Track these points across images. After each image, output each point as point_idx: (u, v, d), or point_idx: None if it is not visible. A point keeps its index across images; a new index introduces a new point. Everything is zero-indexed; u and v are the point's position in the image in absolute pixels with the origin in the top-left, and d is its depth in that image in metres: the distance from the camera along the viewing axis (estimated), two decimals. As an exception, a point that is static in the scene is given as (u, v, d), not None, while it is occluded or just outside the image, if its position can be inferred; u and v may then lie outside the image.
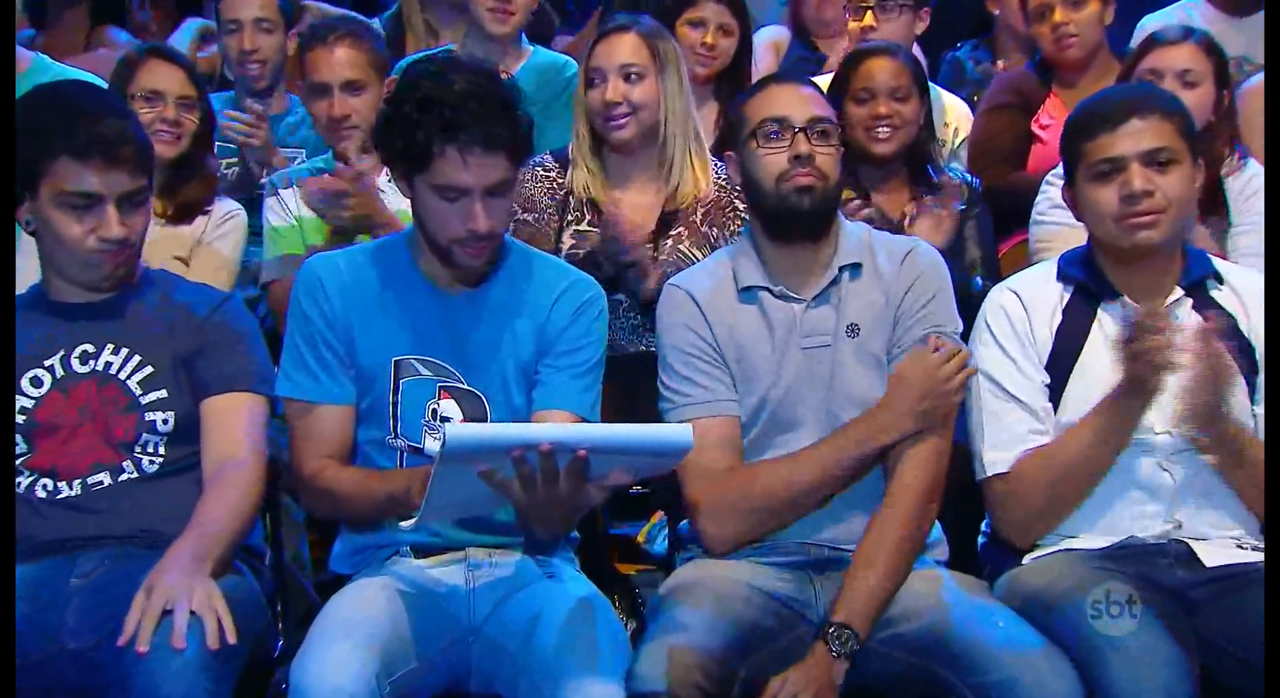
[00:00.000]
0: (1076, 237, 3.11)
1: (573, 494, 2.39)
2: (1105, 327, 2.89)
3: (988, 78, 4.81)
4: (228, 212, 3.88)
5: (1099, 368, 2.83)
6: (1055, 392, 2.87)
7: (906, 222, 3.70)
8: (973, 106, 4.57)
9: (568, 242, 3.62)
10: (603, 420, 2.82)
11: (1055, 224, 3.67)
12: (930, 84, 4.02)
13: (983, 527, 3.01)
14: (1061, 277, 2.94)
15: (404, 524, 2.50)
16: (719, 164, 3.69)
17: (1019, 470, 2.82)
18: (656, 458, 2.44)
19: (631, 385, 3.09)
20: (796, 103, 2.90)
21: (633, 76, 3.58)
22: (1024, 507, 2.83)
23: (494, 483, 2.37)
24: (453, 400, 2.81)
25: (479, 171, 2.67)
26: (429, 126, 2.65)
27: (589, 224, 3.61)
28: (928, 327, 2.87)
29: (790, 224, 2.88)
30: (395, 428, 2.83)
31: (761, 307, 2.92)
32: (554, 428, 2.48)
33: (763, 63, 4.73)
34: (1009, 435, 2.84)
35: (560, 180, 3.66)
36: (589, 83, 3.60)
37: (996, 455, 2.84)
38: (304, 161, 4.11)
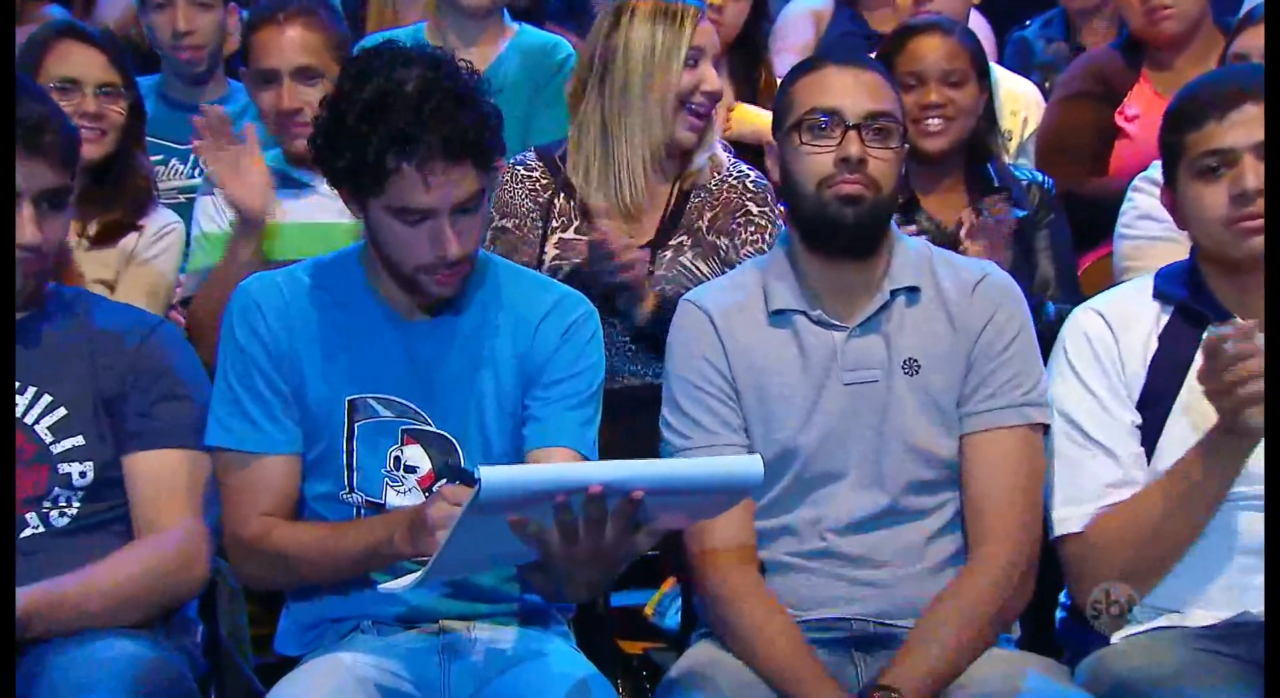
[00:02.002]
0: (1171, 252, 2.97)
1: (619, 543, 2.28)
2: None
3: (1061, 59, 4.66)
4: (164, 224, 3.68)
5: (1205, 405, 2.59)
6: (1150, 434, 2.68)
7: (963, 231, 3.53)
8: (1044, 94, 4.42)
9: (551, 252, 3.48)
10: None
11: (1145, 238, 3.46)
12: (992, 66, 3.89)
13: (1061, 599, 2.82)
14: (1158, 295, 2.75)
15: (396, 586, 2.41)
16: (735, 157, 3.58)
17: (1095, 530, 2.66)
18: (719, 496, 2.36)
19: (630, 423, 2.95)
20: (853, 92, 2.72)
21: (716, 64, 3.50)
22: (1101, 574, 2.66)
23: (527, 534, 2.25)
24: (419, 446, 2.67)
25: (444, 190, 2.52)
26: (378, 141, 2.50)
27: (576, 232, 3.47)
28: (1010, 375, 2.70)
29: (829, 237, 2.72)
30: (350, 480, 2.68)
31: (795, 333, 2.75)
32: (604, 466, 2.33)
33: (800, 38, 4.63)
34: (1085, 488, 2.68)
35: (544, 181, 3.53)
36: (686, 63, 3.44)
37: (1068, 512, 2.68)
38: None
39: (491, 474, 2.14)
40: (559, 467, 2.49)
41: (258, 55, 3.59)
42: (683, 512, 2.37)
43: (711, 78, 3.43)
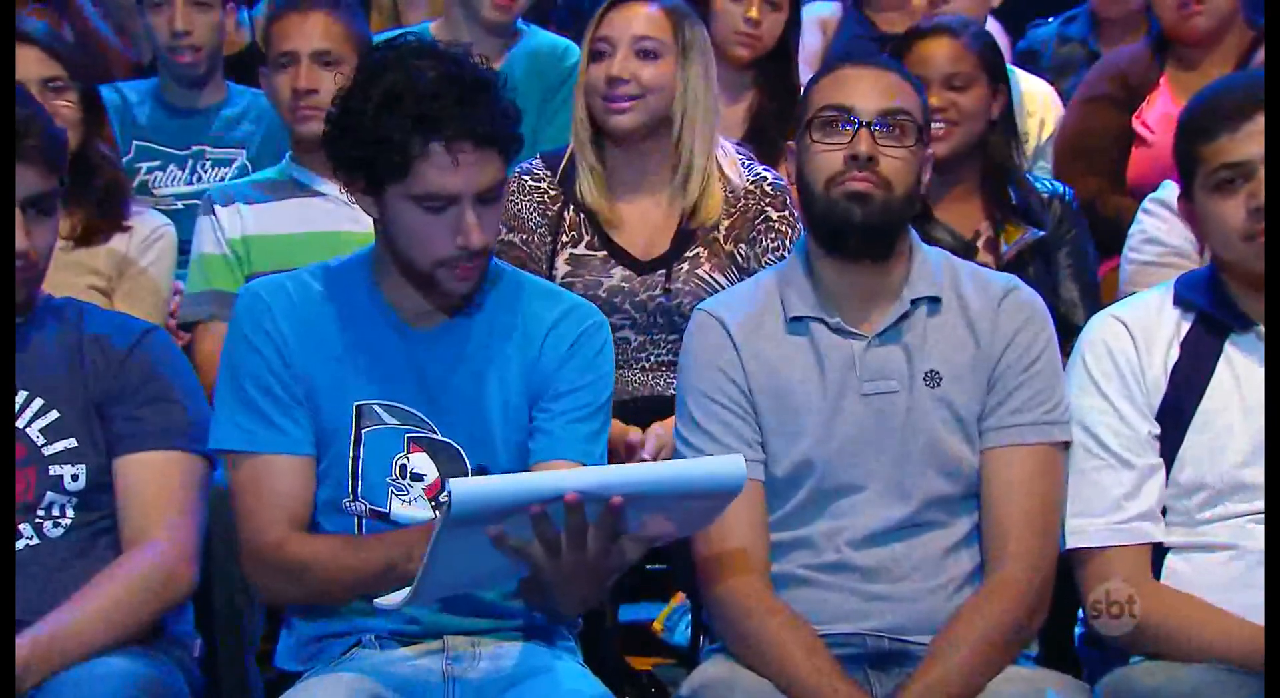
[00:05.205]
0: (1172, 277, 2.90)
1: (604, 553, 2.29)
2: (1235, 363, 2.67)
3: (1072, 63, 4.64)
4: (154, 227, 3.68)
5: (1227, 415, 2.64)
6: (1170, 446, 2.68)
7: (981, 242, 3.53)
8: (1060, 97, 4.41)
9: (562, 267, 3.46)
10: None
11: (1147, 262, 3.50)
12: (1010, 68, 3.87)
13: (1080, 614, 2.79)
14: (1179, 302, 2.74)
15: (385, 603, 2.40)
16: (750, 160, 3.55)
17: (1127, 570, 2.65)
18: (704, 500, 2.34)
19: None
20: (867, 89, 2.73)
21: (647, 53, 3.42)
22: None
23: (508, 547, 2.26)
24: (425, 454, 2.67)
25: (470, 173, 2.53)
26: (404, 123, 2.50)
27: (587, 247, 3.45)
28: (1033, 392, 2.70)
29: (840, 237, 2.71)
30: (354, 488, 2.67)
31: (813, 341, 2.75)
32: (579, 474, 2.36)
33: (808, 47, 4.57)
34: (1099, 501, 2.67)
35: (552, 192, 3.51)
36: (593, 56, 3.45)
37: (1081, 524, 2.68)
38: (242, 164, 4.04)
39: (461, 486, 2.15)
40: (531, 476, 2.50)
41: (278, 40, 3.64)
42: (670, 518, 2.34)
43: (617, 68, 3.37)
